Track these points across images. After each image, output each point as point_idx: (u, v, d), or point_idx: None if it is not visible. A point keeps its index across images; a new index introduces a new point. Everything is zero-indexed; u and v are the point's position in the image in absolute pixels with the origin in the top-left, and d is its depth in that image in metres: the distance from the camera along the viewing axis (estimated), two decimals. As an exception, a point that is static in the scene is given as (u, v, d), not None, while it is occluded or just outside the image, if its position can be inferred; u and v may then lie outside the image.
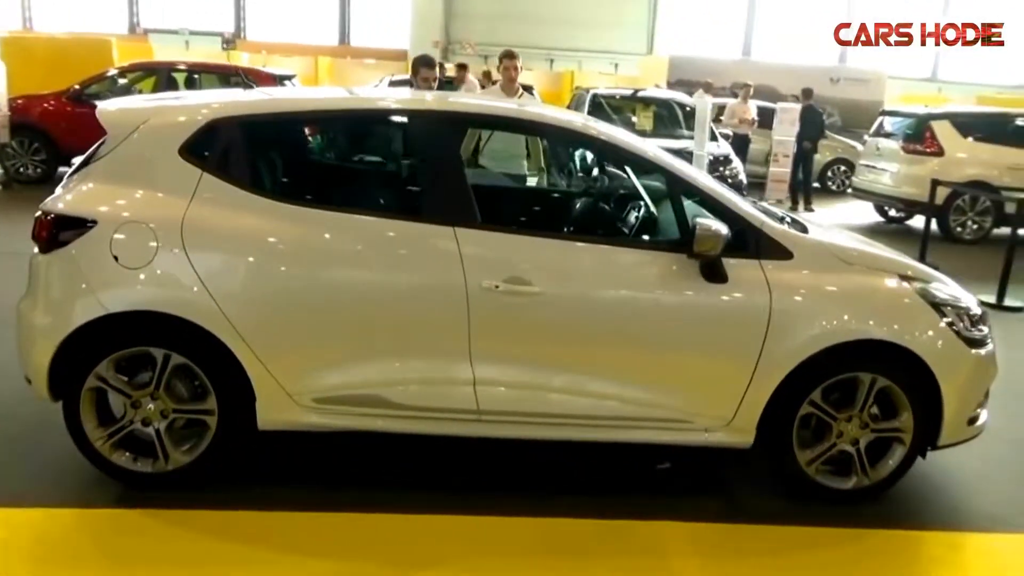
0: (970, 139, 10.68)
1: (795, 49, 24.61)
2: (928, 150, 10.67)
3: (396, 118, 3.33)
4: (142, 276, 3.00)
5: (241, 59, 19.78)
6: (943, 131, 10.71)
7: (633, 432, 3.33)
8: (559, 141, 3.74)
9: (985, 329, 3.50)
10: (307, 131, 3.88)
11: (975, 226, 10.51)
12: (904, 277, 3.45)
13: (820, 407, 3.35)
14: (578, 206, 3.84)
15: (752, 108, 13.01)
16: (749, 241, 3.26)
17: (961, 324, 3.41)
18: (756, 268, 3.23)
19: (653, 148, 3.47)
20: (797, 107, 12.61)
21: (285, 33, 23.73)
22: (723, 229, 3.08)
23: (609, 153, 3.50)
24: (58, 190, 3.24)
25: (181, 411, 3.14)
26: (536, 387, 3.22)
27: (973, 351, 3.41)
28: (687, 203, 3.35)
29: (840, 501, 3.44)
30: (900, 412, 3.39)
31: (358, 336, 3.13)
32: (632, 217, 3.79)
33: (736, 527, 3.21)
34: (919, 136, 10.85)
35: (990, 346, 3.51)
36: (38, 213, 3.15)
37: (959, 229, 10.49)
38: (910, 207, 11.02)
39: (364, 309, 3.10)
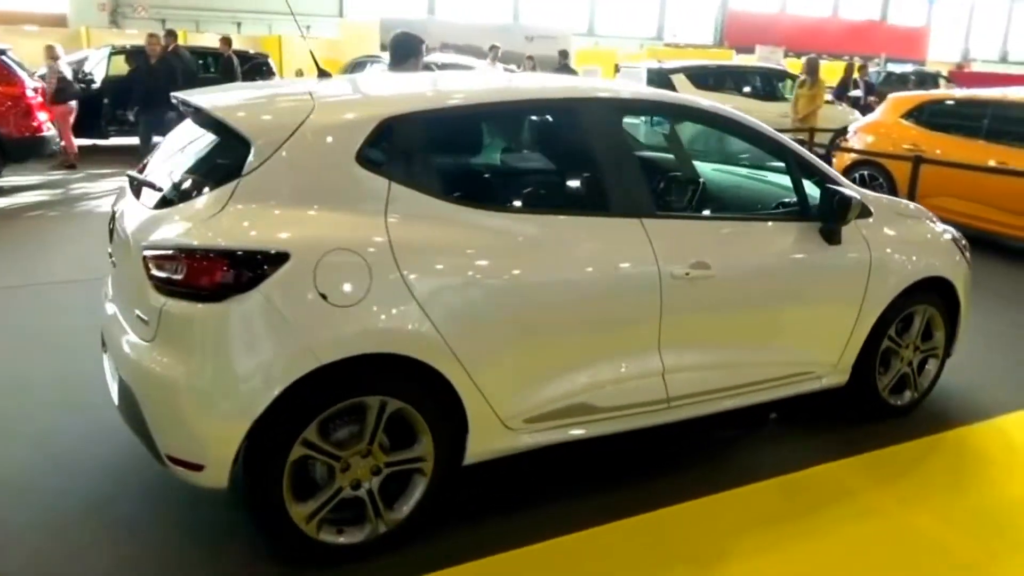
0: (700, 89, 12.22)
1: (473, 6, 25.64)
2: (670, 101, 12.01)
3: (579, 107, 3.06)
4: (359, 314, 2.49)
5: None
6: (680, 83, 12.13)
7: (776, 390, 3.56)
8: (709, 125, 3.71)
9: (968, 253, 4.27)
10: (488, 125, 3.39)
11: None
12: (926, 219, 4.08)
13: (894, 339, 3.87)
14: (712, 184, 3.89)
15: (498, 69, 13.45)
16: None
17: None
18: (854, 227, 3.60)
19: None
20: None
21: None
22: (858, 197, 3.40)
23: (747, 136, 3.59)
24: (172, 221, 2.51)
25: (393, 463, 2.70)
26: (712, 365, 3.30)
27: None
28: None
29: (899, 414, 4.02)
30: (935, 333, 4.05)
31: (568, 343, 2.94)
32: (755, 191, 3.94)
33: (870, 455, 3.60)
34: (663, 88, 12.15)
35: None
36: (173, 252, 2.42)
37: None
38: (660, 152, 12.38)
39: (574, 313, 2.92)
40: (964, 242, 4.21)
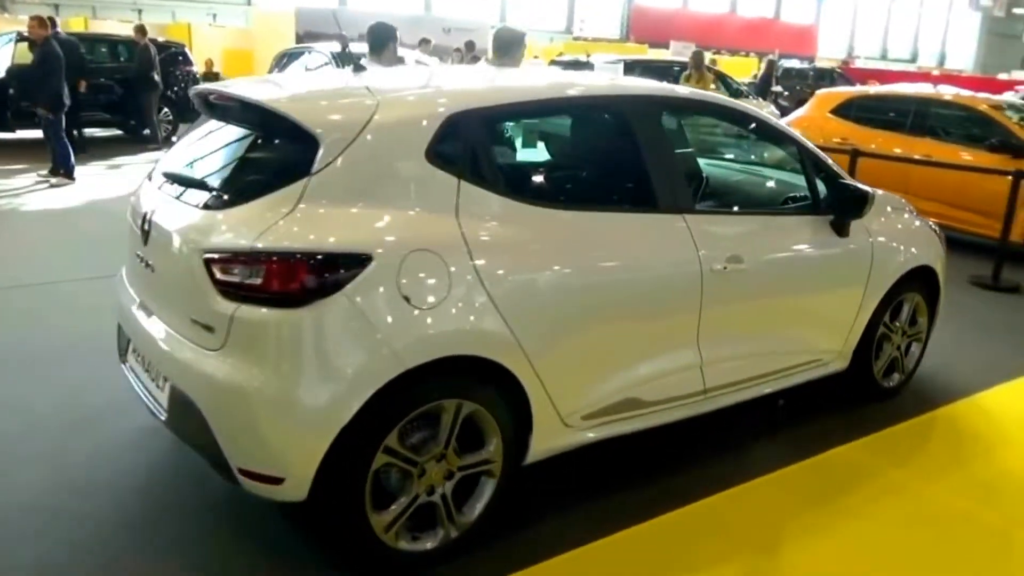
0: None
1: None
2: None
3: (634, 105, 3.08)
4: (440, 316, 2.44)
5: None
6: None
7: (791, 378, 3.70)
8: (742, 127, 3.79)
9: (943, 243, 4.53)
10: (550, 121, 3.31)
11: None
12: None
13: (888, 326, 4.09)
14: (721, 179, 3.97)
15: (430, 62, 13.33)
16: None
17: (938, 239, 4.39)
18: (858, 219, 3.77)
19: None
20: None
21: None
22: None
23: (773, 137, 3.71)
24: (236, 222, 2.38)
25: (465, 466, 2.67)
26: (742, 356, 3.41)
27: None
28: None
29: (890, 395, 4.25)
30: (919, 318, 4.29)
31: (624, 338, 2.98)
32: (771, 187, 4.05)
33: (876, 436, 3.80)
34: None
35: None
36: (244, 256, 2.30)
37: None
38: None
39: (630, 309, 2.96)
40: (940, 232, 4.47)
